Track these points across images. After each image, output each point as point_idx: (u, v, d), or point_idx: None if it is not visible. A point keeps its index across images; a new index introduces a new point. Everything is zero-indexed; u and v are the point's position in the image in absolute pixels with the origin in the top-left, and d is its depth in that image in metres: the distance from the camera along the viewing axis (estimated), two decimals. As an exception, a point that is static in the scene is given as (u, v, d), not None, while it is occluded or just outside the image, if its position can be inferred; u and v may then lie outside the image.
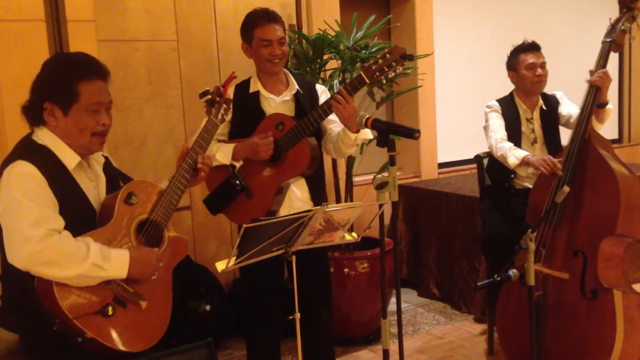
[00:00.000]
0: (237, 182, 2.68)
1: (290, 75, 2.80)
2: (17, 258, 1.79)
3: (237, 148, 2.66)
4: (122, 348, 1.88)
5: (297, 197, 2.72)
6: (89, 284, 1.84)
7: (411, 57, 2.47)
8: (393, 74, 2.51)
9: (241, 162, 2.69)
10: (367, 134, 2.65)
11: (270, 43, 2.66)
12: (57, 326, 1.80)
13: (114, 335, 1.87)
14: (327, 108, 2.56)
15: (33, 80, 1.96)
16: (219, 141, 2.77)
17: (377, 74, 2.49)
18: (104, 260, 1.84)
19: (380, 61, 2.49)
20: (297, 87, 2.76)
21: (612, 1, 5.63)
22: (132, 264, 1.90)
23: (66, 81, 1.90)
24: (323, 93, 2.82)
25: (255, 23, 2.69)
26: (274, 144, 2.62)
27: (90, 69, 1.95)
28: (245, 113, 2.73)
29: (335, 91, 3.11)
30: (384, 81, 2.56)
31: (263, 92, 2.74)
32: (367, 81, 2.51)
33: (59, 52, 1.99)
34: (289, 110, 2.74)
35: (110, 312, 1.86)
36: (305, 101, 2.73)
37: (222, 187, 2.72)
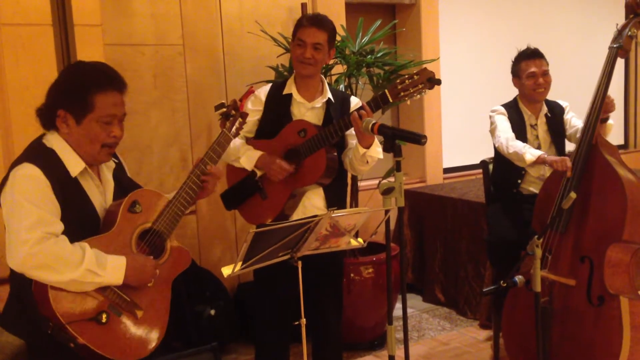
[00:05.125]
0: (251, 185, 2.73)
1: (326, 84, 2.80)
2: (13, 260, 1.81)
3: (261, 159, 2.69)
4: (113, 357, 1.87)
5: (312, 204, 2.72)
6: (84, 289, 1.84)
7: (439, 82, 2.44)
8: (418, 96, 2.48)
9: (262, 172, 2.71)
10: (378, 153, 2.65)
11: (304, 44, 2.65)
12: (50, 330, 1.80)
13: (107, 343, 1.86)
14: (349, 122, 2.54)
15: (51, 84, 1.96)
16: (247, 139, 2.79)
17: (402, 93, 2.47)
18: (99, 267, 1.84)
19: (407, 81, 2.46)
20: (329, 95, 2.76)
21: (619, 7, 5.64)
22: (129, 270, 1.89)
23: (82, 91, 1.90)
24: (356, 106, 2.77)
25: (300, 23, 2.70)
26: (291, 170, 2.64)
27: (107, 80, 1.94)
28: (274, 114, 2.74)
29: None
30: (408, 102, 2.53)
31: (295, 95, 2.74)
32: (391, 100, 2.49)
33: (79, 60, 1.99)
34: (317, 117, 2.73)
35: (104, 320, 1.85)
36: (334, 111, 2.73)
37: (240, 185, 2.75)
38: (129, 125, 3.50)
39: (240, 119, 2.24)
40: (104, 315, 1.86)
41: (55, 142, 1.94)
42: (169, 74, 3.67)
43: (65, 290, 1.81)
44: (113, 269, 1.87)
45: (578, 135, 3.01)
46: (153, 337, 1.98)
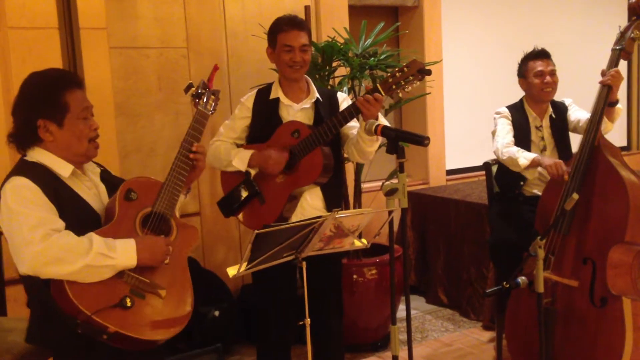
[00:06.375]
0: (248, 190, 2.72)
1: (312, 83, 2.81)
2: (23, 263, 1.83)
3: (253, 156, 2.69)
4: (147, 337, 1.89)
5: (310, 204, 2.73)
6: (100, 275, 1.86)
7: (429, 72, 2.46)
8: (410, 88, 2.50)
9: (257, 170, 2.72)
10: (384, 122, 2.62)
11: (292, 49, 2.67)
12: (80, 328, 1.82)
13: (137, 325, 1.88)
14: (342, 118, 2.56)
15: (14, 105, 1.99)
16: (237, 145, 2.80)
17: (394, 87, 2.49)
18: (109, 249, 1.86)
19: (397, 74, 2.48)
20: (317, 95, 2.77)
21: (621, 9, 5.65)
22: (140, 250, 1.92)
23: (53, 95, 1.95)
24: (344, 101, 2.81)
25: (280, 28, 2.71)
26: (287, 157, 2.63)
27: (68, 79, 2.01)
28: (264, 119, 2.75)
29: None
30: (400, 94, 2.55)
31: (283, 99, 2.75)
32: (383, 94, 2.51)
33: (31, 72, 2.03)
34: (307, 118, 2.75)
35: (128, 304, 1.87)
36: (324, 110, 2.74)
37: (236, 191, 2.76)
38: (133, 127, 3.58)
39: (212, 96, 2.25)
40: (128, 300, 1.87)
41: (37, 155, 1.98)
42: (173, 76, 3.69)
43: (82, 283, 1.83)
44: (123, 250, 1.89)
45: (581, 124, 3.01)
46: (182, 312, 2.00)
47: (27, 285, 1.95)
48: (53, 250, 1.80)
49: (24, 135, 1.98)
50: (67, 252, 1.81)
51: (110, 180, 2.15)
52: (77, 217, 1.94)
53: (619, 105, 3.07)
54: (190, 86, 2.27)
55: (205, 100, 2.23)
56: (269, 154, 2.64)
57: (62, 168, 1.98)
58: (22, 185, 1.87)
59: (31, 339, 2.00)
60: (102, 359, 1.90)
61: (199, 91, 2.25)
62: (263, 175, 2.72)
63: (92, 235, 1.88)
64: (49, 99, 1.94)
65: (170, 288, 1.99)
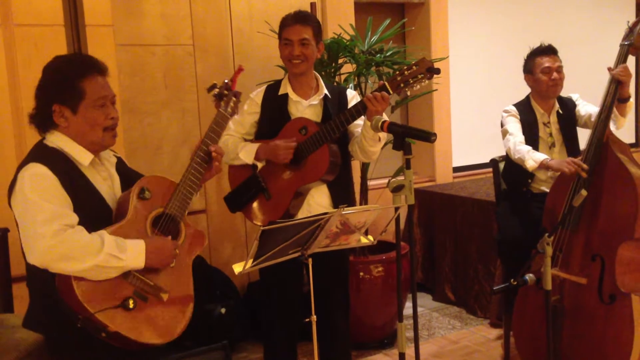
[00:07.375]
0: (254, 186, 2.72)
1: (321, 80, 2.80)
2: (34, 256, 1.83)
3: (260, 148, 2.69)
4: (145, 340, 1.89)
5: (317, 202, 2.72)
6: (107, 275, 1.87)
7: (438, 71, 2.44)
8: (418, 86, 2.49)
9: (263, 163, 2.71)
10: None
11: (291, 43, 2.67)
12: (80, 322, 1.83)
13: (137, 328, 1.89)
14: (350, 115, 2.55)
15: (36, 87, 2.00)
16: (245, 140, 2.80)
17: (402, 85, 2.48)
18: (120, 250, 1.87)
19: (406, 72, 2.47)
20: (325, 91, 2.76)
21: (630, 4, 5.61)
22: (149, 252, 1.92)
23: (69, 80, 1.95)
24: (353, 98, 2.80)
25: (283, 23, 2.72)
26: (295, 149, 2.62)
27: (89, 66, 2.00)
28: (272, 114, 2.75)
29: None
30: (408, 93, 2.53)
31: (291, 94, 2.75)
32: (391, 92, 2.50)
33: (56, 56, 2.03)
34: (315, 114, 2.74)
35: (131, 306, 1.88)
36: (332, 106, 2.73)
37: (243, 186, 2.76)
38: (139, 125, 3.58)
39: (234, 98, 2.25)
40: (131, 301, 1.89)
41: (57, 140, 1.98)
42: (179, 74, 3.69)
43: (89, 281, 1.84)
44: (133, 252, 1.90)
45: (593, 118, 3.00)
46: (181, 317, 2.01)
47: (32, 272, 1.94)
48: (64, 247, 1.80)
49: (41, 118, 1.99)
50: (79, 250, 1.81)
51: (124, 173, 2.15)
52: (90, 209, 1.95)
53: (631, 100, 3.06)
54: (213, 86, 2.28)
55: (226, 102, 2.23)
56: (276, 143, 2.64)
57: (82, 157, 1.98)
58: (41, 174, 1.87)
59: (30, 325, 2.01)
60: (98, 353, 1.90)
61: (222, 92, 2.25)
62: (270, 171, 2.71)
63: (104, 234, 1.88)
64: (65, 84, 1.95)
65: (172, 292, 1.99)
